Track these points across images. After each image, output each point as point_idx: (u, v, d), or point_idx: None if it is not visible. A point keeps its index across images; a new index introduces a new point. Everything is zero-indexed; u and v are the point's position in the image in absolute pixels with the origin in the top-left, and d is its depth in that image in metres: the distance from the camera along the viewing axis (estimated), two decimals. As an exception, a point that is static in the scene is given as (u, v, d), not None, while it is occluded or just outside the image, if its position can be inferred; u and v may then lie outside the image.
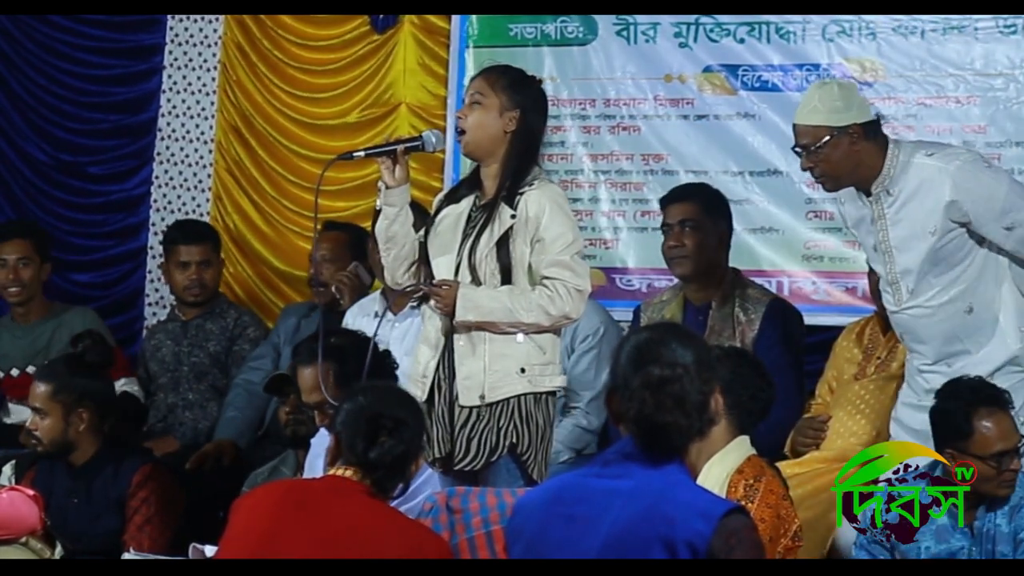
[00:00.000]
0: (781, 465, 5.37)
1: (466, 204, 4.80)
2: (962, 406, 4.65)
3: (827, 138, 5.00)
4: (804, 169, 5.14)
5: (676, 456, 3.52)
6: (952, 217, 5.00)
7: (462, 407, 4.66)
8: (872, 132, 5.05)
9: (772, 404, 4.86)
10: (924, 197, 5.02)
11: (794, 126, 5.12)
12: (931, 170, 5.02)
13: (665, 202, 6.03)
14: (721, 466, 4.55)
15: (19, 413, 6.65)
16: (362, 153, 4.85)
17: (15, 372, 6.75)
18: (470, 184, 4.85)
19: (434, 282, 4.71)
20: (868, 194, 5.11)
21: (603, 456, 3.61)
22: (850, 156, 5.03)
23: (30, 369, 6.62)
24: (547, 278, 4.64)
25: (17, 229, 6.94)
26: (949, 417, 4.67)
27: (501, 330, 4.64)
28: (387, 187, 4.77)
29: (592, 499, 3.50)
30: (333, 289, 6.39)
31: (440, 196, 4.98)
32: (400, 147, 4.77)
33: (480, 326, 4.64)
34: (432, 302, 4.71)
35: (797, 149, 5.09)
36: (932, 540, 4.71)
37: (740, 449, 4.64)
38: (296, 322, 6.62)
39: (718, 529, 3.37)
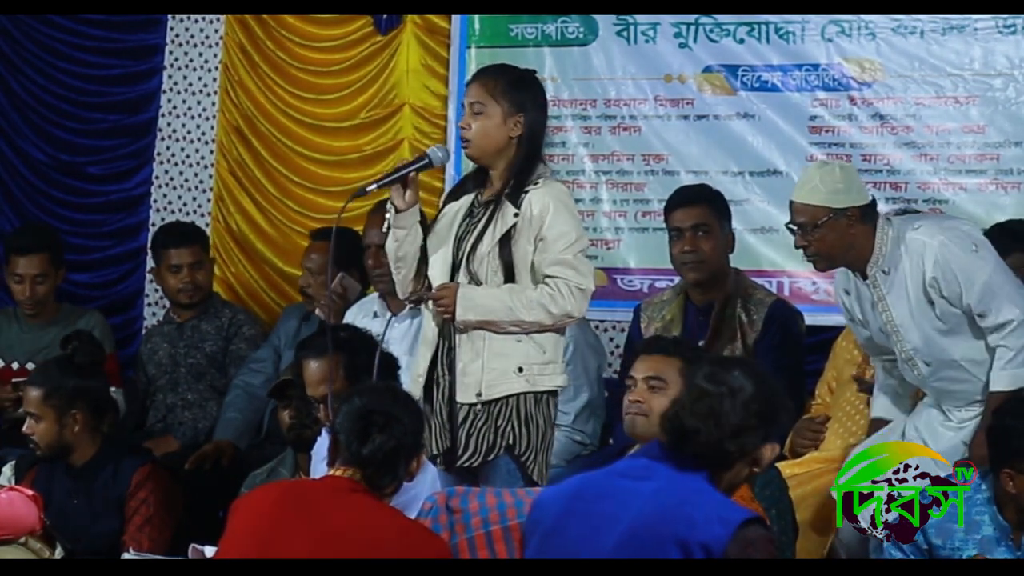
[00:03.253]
0: (781, 465, 5.38)
1: (466, 200, 4.81)
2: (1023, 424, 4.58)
3: (825, 219, 5.01)
4: (797, 247, 5.14)
5: (704, 468, 3.56)
6: (933, 293, 5.01)
7: (460, 404, 4.66)
8: (868, 215, 5.06)
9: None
10: (915, 272, 5.02)
11: (791, 203, 5.13)
12: (917, 244, 5.01)
13: (671, 207, 5.99)
14: None
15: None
16: (375, 186, 4.82)
17: (15, 365, 6.74)
18: (475, 180, 4.85)
19: (433, 290, 4.70)
20: (864, 277, 5.11)
21: (629, 457, 3.66)
22: (845, 238, 5.04)
23: (29, 365, 6.62)
24: (549, 276, 4.64)
25: (36, 243, 6.80)
26: (1011, 436, 4.59)
27: (504, 329, 4.64)
28: (397, 210, 4.76)
29: (613, 497, 3.55)
30: (317, 311, 6.38)
31: (446, 195, 5.00)
32: (411, 172, 4.75)
33: (481, 325, 4.64)
34: (434, 308, 4.71)
35: (792, 226, 5.09)
36: (975, 550, 4.68)
37: None
38: (297, 324, 6.61)
39: (736, 536, 3.41)
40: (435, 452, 4.71)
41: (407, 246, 4.79)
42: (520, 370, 4.65)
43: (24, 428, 5.56)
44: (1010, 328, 4.95)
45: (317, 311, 6.38)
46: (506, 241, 4.66)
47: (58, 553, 5.25)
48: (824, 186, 5.03)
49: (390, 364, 5.15)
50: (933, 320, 5.04)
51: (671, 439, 3.56)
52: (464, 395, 4.67)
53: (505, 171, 4.74)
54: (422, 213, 5.00)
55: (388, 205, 4.80)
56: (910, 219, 5.17)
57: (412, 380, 4.80)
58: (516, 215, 4.66)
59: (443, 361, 4.72)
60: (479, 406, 4.66)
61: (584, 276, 4.68)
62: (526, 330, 4.64)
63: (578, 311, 4.68)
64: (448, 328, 4.71)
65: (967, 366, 5.06)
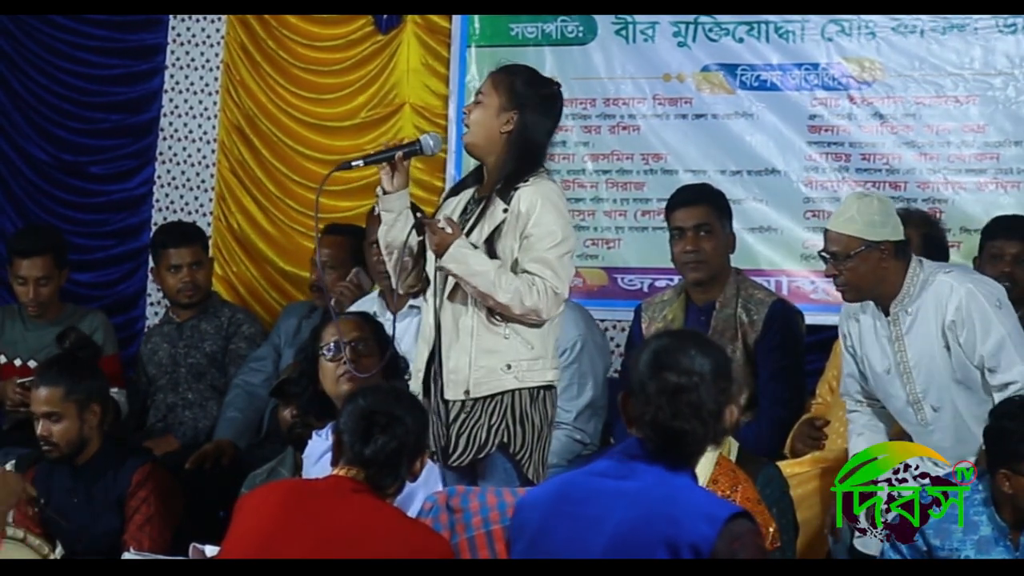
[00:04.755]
0: (781, 464, 5.39)
1: (464, 196, 4.83)
2: (1021, 427, 4.58)
3: (858, 250, 5.02)
4: (828, 275, 5.16)
5: (687, 462, 3.54)
6: (949, 338, 5.02)
7: (450, 401, 4.67)
8: (902, 252, 5.08)
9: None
10: (938, 314, 5.04)
11: (826, 231, 5.15)
12: (945, 287, 5.03)
13: (673, 206, 5.99)
14: (699, 473, 4.51)
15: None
16: (361, 162, 4.85)
17: (17, 362, 6.74)
18: (475, 177, 4.87)
19: (438, 219, 4.70)
20: (886, 312, 5.12)
21: (608, 456, 3.62)
22: (877, 271, 5.05)
23: (32, 363, 6.62)
24: (528, 272, 4.63)
25: (40, 246, 6.76)
26: (1006, 437, 4.60)
27: (472, 293, 4.62)
28: (385, 192, 4.79)
29: (597, 499, 3.52)
30: (332, 303, 6.37)
31: (447, 191, 5.01)
32: (399, 153, 4.79)
33: (457, 279, 4.64)
34: (428, 235, 4.72)
35: (825, 255, 5.10)
36: (973, 550, 4.68)
37: (710, 452, 4.64)
38: (297, 322, 6.61)
39: (722, 533, 3.37)
40: (432, 449, 4.71)
41: (396, 231, 4.79)
42: (508, 367, 4.64)
43: (40, 431, 5.54)
44: (1013, 389, 4.95)
45: (332, 301, 6.35)
46: (494, 238, 4.67)
47: (58, 552, 5.27)
48: (861, 217, 5.04)
49: (397, 364, 5.17)
50: (949, 367, 5.06)
51: (658, 443, 3.52)
52: (452, 392, 4.66)
53: (497, 167, 4.75)
54: (421, 211, 5.00)
55: (377, 189, 4.82)
56: (942, 265, 5.21)
57: (413, 376, 4.81)
58: (505, 211, 4.66)
59: (438, 357, 4.72)
60: (470, 403, 4.65)
61: (562, 280, 4.66)
62: (492, 307, 4.62)
63: (547, 313, 4.64)
64: (442, 323, 4.72)
65: (969, 421, 5.07)
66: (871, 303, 5.19)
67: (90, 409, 5.55)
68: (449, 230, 4.64)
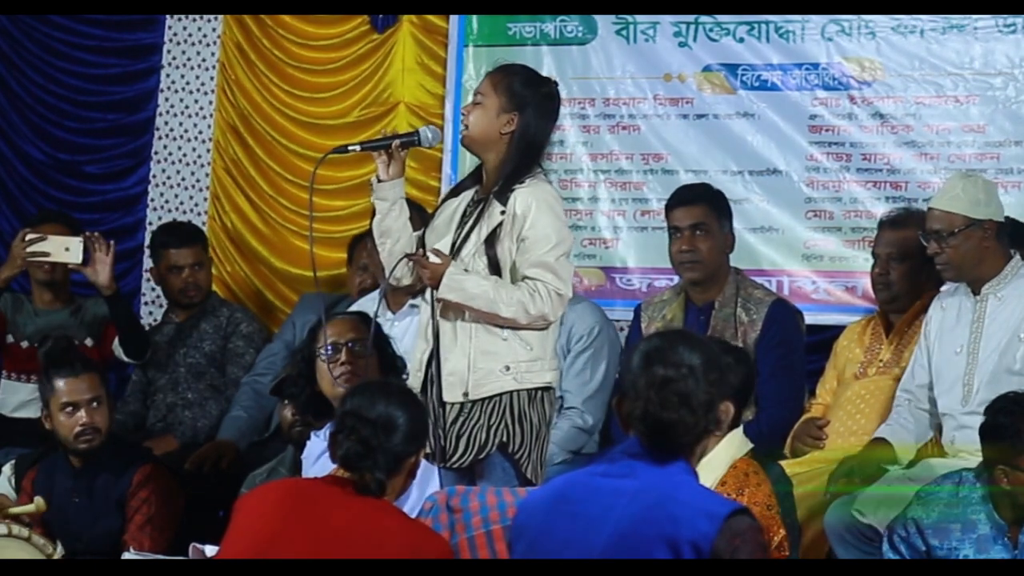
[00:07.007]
0: (783, 464, 5.38)
1: (464, 197, 4.83)
2: (1016, 422, 4.59)
3: (962, 228, 5.09)
4: (930, 253, 5.20)
5: (682, 455, 3.54)
6: None
7: (448, 403, 4.66)
8: (1003, 234, 5.14)
9: (752, 381, 4.89)
10: (1021, 305, 5.09)
11: (930, 209, 5.20)
12: None
13: (671, 205, 6.01)
14: (709, 473, 4.51)
15: (13, 390, 6.67)
16: (357, 147, 4.90)
17: (24, 344, 6.72)
18: (474, 178, 4.87)
19: (428, 251, 4.70)
20: (976, 292, 5.17)
21: (609, 455, 3.62)
22: (978, 251, 5.13)
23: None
24: (529, 278, 4.63)
25: (57, 215, 6.86)
26: (1002, 433, 4.61)
27: (477, 317, 4.63)
28: (379, 181, 4.79)
29: (597, 498, 3.52)
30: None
31: (447, 191, 5.01)
32: (396, 142, 4.80)
33: (459, 306, 4.64)
34: (417, 268, 4.71)
35: (926, 234, 5.11)
36: (972, 549, 4.69)
37: (729, 450, 4.63)
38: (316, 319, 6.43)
39: (723, 530, 3.38)
40: (428, 450, 4.69)
41: (390, 220, 4.80)
42: (507, 368, 4.64)
43: (83, 420, 5.51)
44: None
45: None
46: (492, 240, 4.66)
47: (59, 552, 5.26)
48: (965, 195, 5.13)
49: (394, 364, 5.15)
50: (1010, 356, 5.10)
51: (650, 437, 3.52)
52: (450, 394, 4.66)
53: (496, 168, 4.75)
54: (422, 208, 4.97)
55: (371, 179, 4.84)
56: None
57: (413, 374, 4.80)
58: (503, 213, 4.66)
59: (436, 359, 4.71)
60: (469, 405, 4.65)
61: (563, 281, 4.66)
62: (499, 324, 4.63)
63: (553, 316, 4.66)
64: (440, 325, 4.71)
65: None
66: (962, 286, 5.21)
67: (107, 401, 5.60)
68: (438, 260, 4.65)
